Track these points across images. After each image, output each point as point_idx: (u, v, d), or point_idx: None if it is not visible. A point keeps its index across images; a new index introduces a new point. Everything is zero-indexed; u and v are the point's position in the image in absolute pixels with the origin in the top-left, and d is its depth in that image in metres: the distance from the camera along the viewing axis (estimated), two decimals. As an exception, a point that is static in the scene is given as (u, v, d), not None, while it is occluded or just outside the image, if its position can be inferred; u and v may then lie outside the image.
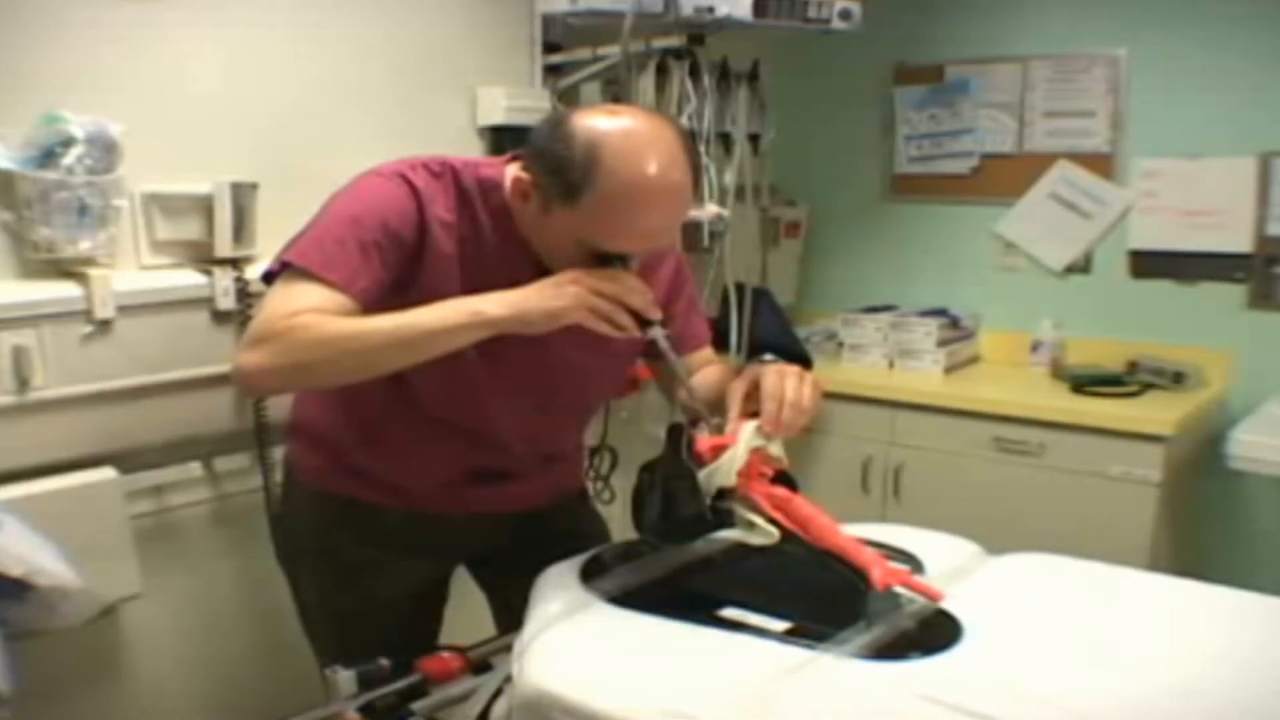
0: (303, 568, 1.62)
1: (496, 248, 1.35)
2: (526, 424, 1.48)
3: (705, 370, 1.56)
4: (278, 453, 2.00)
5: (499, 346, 1.30)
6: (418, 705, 1.28)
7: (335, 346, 1.24)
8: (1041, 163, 2.96)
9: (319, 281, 1.26)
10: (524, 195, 1.30)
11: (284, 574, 1.66)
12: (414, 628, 1.58)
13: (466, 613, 1.70)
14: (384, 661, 1.34)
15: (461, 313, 1.23)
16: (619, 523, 1.69)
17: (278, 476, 2.01)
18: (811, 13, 2.38)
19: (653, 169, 1.22)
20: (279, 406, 1.99)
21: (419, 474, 1.49)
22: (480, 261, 1.34)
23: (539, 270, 1.30)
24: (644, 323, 1.26)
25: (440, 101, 2.36)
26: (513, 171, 1.33)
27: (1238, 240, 2.70)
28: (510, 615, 1.42)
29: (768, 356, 1.44)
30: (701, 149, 2.60)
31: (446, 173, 1.36)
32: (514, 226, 1.35)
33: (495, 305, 1.23)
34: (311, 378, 1.34)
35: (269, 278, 1.33)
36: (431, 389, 1.40)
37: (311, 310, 1.24)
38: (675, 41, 2.39)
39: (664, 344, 1.29)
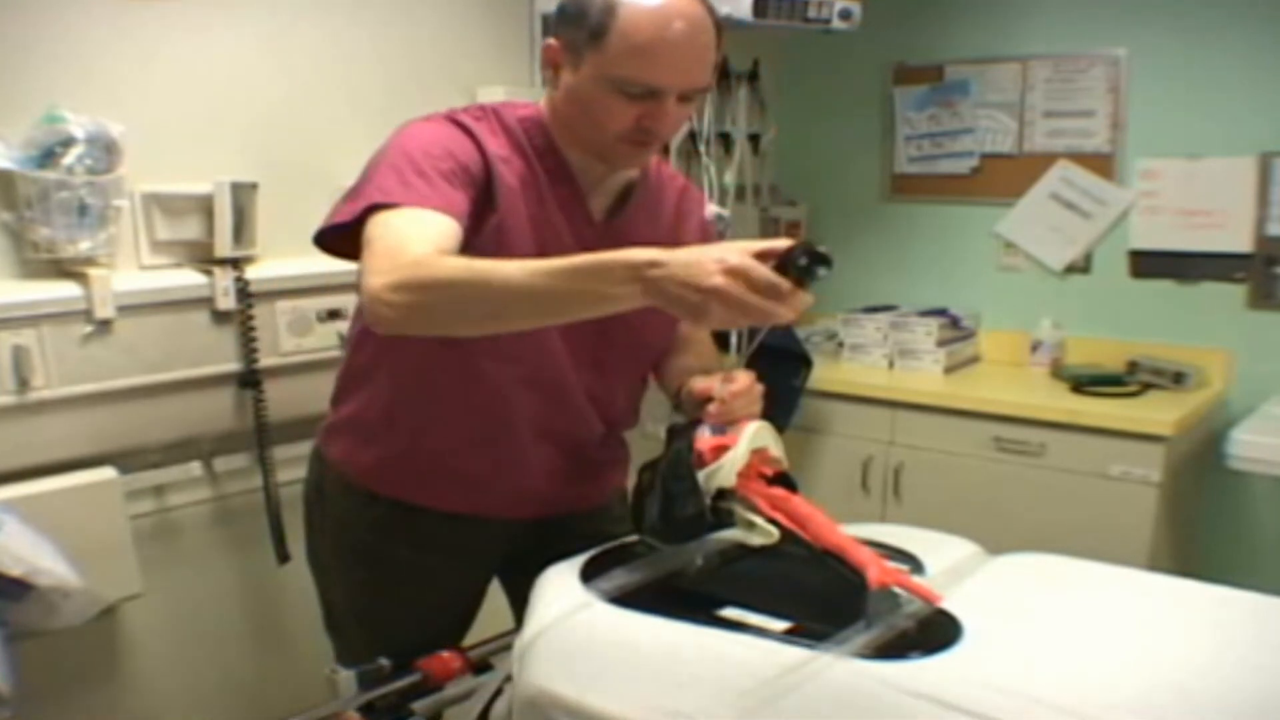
0: (334, 568, 1.53)
1: (549, 184, 1.36)
2: (586, 377, 1.43)
3: (688, 351, 1.53)
4: (278, 453, 2.01)
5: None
6: (418, 705, 1.28)
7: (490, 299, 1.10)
8: (1041, 163, 2.96)
9: (419, 210, 1.18)
10: (554, 64, 1.30)
11: (311, 572, 1.58)
12: (451, 634, 1.50)
13: (466, 613, 1.70)
14: (384, 661, 1.34)
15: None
16: (619, 523, 1.69)
17: (278, 476, 2.02)
18: (811, 13, 2.38)
19: None
20: (280, 406, 1.99)
21: (489, 448, 1.41)
22: (539, 195, 1.34)
23: (584, 204, 1.35)
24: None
25: (439, 101, 2.33)
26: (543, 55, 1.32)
27: (1238, 240, 2.70)
28: None
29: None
30: (702, 150, 2.60)
31: (489, 115, 1.36)
32: (561, 164, 1.36)
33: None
34: (453, 324, 1.17)
35: (323, 237, 1.27)
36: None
37: (433, 243, 1.15)
38: (675, 41, 2.39)
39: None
